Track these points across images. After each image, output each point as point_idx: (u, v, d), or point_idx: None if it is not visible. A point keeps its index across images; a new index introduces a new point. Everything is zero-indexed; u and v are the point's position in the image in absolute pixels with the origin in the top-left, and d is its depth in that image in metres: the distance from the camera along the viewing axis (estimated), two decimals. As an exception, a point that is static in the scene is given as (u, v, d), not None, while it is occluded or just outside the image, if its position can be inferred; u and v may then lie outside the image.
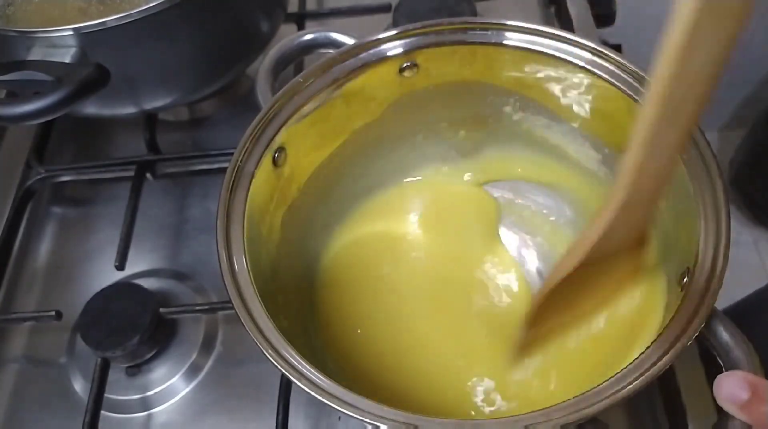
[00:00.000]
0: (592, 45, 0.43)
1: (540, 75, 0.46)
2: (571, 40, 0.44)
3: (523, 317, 0.40)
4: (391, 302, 0.48)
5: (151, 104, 0.56)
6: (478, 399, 0.44)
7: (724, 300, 0.35)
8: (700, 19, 0.25)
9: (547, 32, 0.44)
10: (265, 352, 0.34)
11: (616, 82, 0.42)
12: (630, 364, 0.32)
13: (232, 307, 0.36)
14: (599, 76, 0.43)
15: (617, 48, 0.54)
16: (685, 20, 0.25)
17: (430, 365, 0.46)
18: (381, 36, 0.45)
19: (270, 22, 0.59)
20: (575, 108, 0.46)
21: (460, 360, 0.46)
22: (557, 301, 0.39)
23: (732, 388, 0.30)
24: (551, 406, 0.31)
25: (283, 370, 0.33)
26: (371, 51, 0.45)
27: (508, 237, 0.52)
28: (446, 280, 0.49)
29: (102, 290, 0.50)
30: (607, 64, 0.43)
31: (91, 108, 0.53)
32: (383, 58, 0.45)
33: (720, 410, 0.32)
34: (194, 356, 0.50)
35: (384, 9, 0.68)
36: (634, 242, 0.37)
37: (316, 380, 0.33)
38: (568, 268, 0.36)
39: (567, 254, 0.37)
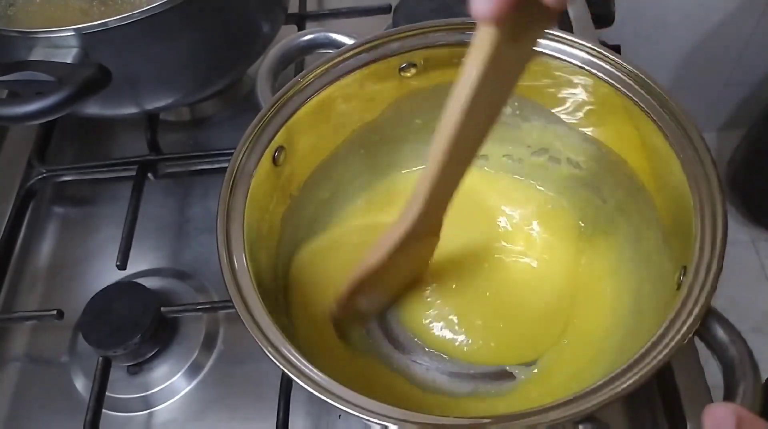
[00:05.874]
0: (591, 45, 0.43)
1: (538, 76, 0.46)
2: (570, 40, 0.44)
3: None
4: (393, 290, 0.49)
5: (152, 104, 0.56)
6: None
7: (721, 299, 0.35)
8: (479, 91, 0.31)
9: (546, 33, 0.44)
10: (265, 350, 0.34)
11: (614, 83, 0.43)
12: (626, 363, 0.33)
13: (233, 306, 0.36)
14: (597, 77, 0.43)
15: (616, 49, 0.54)
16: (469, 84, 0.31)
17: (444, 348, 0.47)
18: (380, 36, 0.46)
19: (270, 23, 0.59)
20: (573, 108, 0.47)
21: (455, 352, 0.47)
22: (370, 282, 0.44)
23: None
24: (548, 405, 0.32)
25: (283, 368, 0.34)
26: (371, 51, 0.46)
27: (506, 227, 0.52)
28: (448, 273, 0.49)
29: (103, 289, 0.50)
30: (605, 65, 0.43)
31: (92, 108, 0.54)
32: (383, 58, 0.46)
33: None
34: (195, 355, 0.50)
35: (384, 10, 0.68)
36: (429, 233, 0.44)
37: (315, 378, 0.33)
38: (380, 258, 0.42)
39: (376, 248, 0.42)
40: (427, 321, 0.48)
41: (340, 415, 0.47)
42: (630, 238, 0.46)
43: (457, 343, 0.47)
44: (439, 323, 0.47)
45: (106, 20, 0.46)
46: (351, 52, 0.45)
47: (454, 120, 0.33)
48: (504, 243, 0.51)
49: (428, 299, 0.49)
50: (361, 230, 0.51)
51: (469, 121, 0.33)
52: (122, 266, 0.53)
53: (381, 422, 0.32)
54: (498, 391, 0.45)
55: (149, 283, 0.51)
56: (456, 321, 0.47)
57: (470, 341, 0.46)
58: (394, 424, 0.32)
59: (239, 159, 0.41)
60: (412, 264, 0.47)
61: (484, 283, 0.49)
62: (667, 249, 0.41)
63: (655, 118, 0.41)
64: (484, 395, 0.45)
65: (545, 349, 0.46)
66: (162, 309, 0.49)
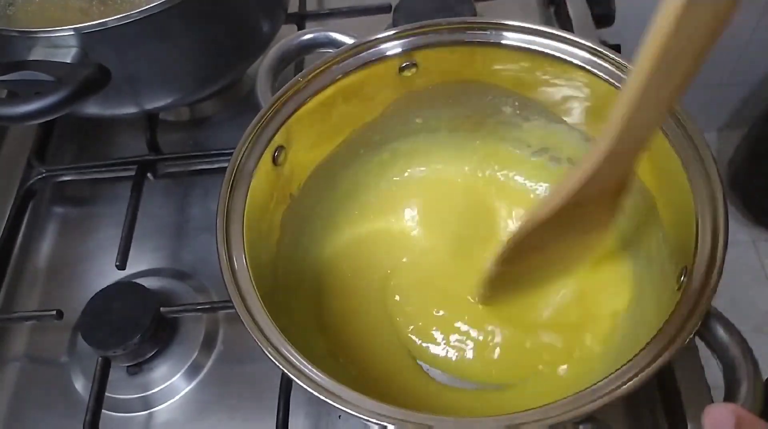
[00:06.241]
0: (591, 45, 0.43)
1: (539, 75, 0.46)
2: (570, 40, 0.44)
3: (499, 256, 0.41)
4: (392, 298, 0.49)
5: (151, 104, 0.56)
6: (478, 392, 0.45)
7: (722, 299, 0.35)
8: None
9: (546, 32, 0.44)
10: (264, 351, 0.34)
11: (615, 82, 0.43)
12: (628, 362, 0.33)
13: (233, 306, 0.36)
14: (598, 76, 0.43)
15: (616, 48, 0.54)
16: None
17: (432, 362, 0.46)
18: (380, 36, 0.46)
19: (270, 23, 0.59)
20: (574, 108, 0.47)
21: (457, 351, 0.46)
22: (532, 244, 0.39)
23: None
24: (549, 404, 0.32)
25: (283, 368, 0.33)
26: (371, 51, 0.46)
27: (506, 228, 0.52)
28: (447, 275, 0.49)
29: (103, 289, 0.50)
30: (606, 64, 0.43)
31: (92, 108, 0.54)
32: (383, 58, 0.46)
33: None
34: (195, 355, 0.50)
35: (384, 9, 0.68)
36: (613, 191, 0.37)
37: (315, 378, 0.33)
38: (550, 209, 0.36)
39: (550, 195, 0.37)
40: (418, 340, 0.47)
41: (339, 416, 0.47)
42: (631, 238, 0.46)
43: (453, 362, 0.46)
44: (427, 344, 0.47)
45: (105, 20, 0.46)
46: (351, 52, 0.45)
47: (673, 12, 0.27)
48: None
49: (415, 320, 0.48)
50: (376, 234, 0.51)
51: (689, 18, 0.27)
52: (122, 266, 0.53)
53: (380, 422, 0.32)
54: (499, 389, 0.45)
55: (149, 283, 0.51)
56: (454, 342, 0.46)
57: (469, 366, 0.46)
58: (394, 424, 0.32)
59: (239, 159, 0.41)
60: (586, 231, 0.40)
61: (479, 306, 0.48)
62: (668, 249, 0.41)
63: (655, 117, 0.40)
64: (485, 392, 0.45)
65: (548, 360, 0.45)
66: (161, 309, 0.49)
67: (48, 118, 0.45)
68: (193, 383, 0.50)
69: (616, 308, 0.45)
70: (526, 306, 0.47)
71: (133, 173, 0.59)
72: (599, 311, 0.46)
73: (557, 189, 0.36)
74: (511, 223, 0.51)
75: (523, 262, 0.42)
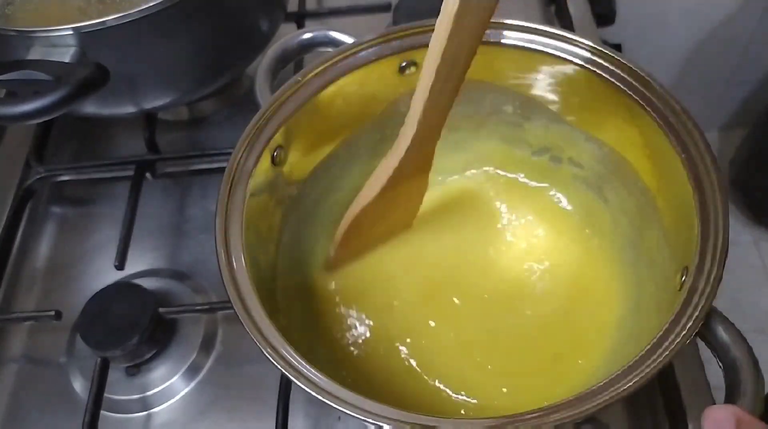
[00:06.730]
0: (592, 44, 0.43)
1: (539, 74, 0.46)
2: (571, 39, 0.44)
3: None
4: (392, 300, 0.48)
5: (150, 104, 0.56)
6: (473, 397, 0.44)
7: (723, 299, 0.35)
8: (461, 11, 0.33)
9: (547, 31, 0.44)
10: (263, 351, 0.34)
11: (615, 82, 0.42)
12: (628, 364, 0.32)
13: (232, 307, 0.36)
14: (599, 75, 0.43)
15: (617, 47, 0.54)
16: (451, 10, 0.33)
17: (430, 363, 0.46)
18: (380, 35, 0.45)
19: (270, 22, 0.59)
20: (575, 107, 0.46)
21: (460, 357, 0.46)
22: (363, 224, 0.46)
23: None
24: (549, 405, 0.31)
25: (282, 369, 0.33)
26: (371, 50, 0.45)
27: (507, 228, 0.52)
28: (447, 275, 0.49)
29: (101, 290, 0.50)
30: (606, 64, 0.43)
31: (90, 107, 0.53)
32: (383, 57, 0.45)
33: None
34: (194, 356, 0.50)
35: (384, 8, 0.68)
36: (421, 169, 0.46)
37: (315, 379, 0.33)
38: (376, 193, 0.44)
39: (371, 182, 0.44)
40: (415, 345, 0.46)
41: (339, 417, 0.47)
42: (632, 238, 0.46)
43: (451, 371, 0.45)
44: (424, 349, 0.46)
45: (104, 19, 0.46)
46: (351, 51, 0.45)
47: (446, 26, 0.35)
48: (503, 246, 0.50)
49: (413, 324, 0.47)
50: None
51: (458, 30, 0.35)
52: (120, 267, 0.53)
53: (379, 423, 0.32)
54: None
55: (147, 283, 0.51)
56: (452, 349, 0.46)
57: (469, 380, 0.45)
58: (393, 425, 0.32)
59: (238, 158, 0.41)
60: (401, 208, 0.48)
61: (482, 308, 0.47)
62: (669, 250, 0.40)
63: (656, 117, 0.40)
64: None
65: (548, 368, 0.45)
66: (160, 310, 0.49)
67: (46, 118, 0.45)
68: (192, 384, 0.50)
69: (617, 308, 0.45)
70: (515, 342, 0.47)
71: (131, 173, 0.59)
72: (599, 311, 0.46)
73: (377, 175, 0.44)
74: (512, 223, 0.51)
75: (359, 238, 0.47)
